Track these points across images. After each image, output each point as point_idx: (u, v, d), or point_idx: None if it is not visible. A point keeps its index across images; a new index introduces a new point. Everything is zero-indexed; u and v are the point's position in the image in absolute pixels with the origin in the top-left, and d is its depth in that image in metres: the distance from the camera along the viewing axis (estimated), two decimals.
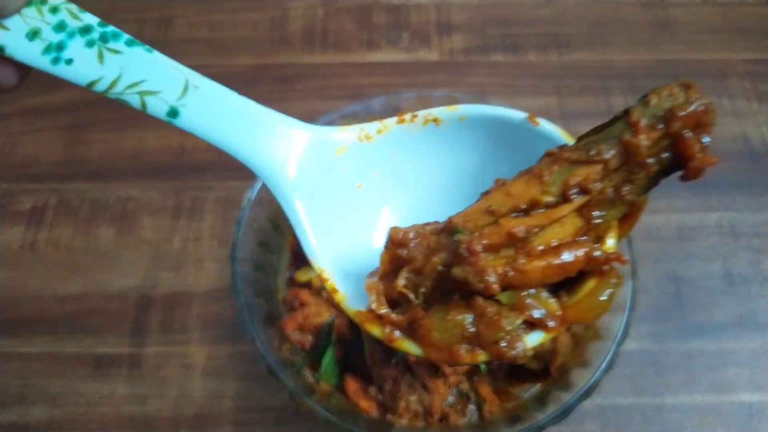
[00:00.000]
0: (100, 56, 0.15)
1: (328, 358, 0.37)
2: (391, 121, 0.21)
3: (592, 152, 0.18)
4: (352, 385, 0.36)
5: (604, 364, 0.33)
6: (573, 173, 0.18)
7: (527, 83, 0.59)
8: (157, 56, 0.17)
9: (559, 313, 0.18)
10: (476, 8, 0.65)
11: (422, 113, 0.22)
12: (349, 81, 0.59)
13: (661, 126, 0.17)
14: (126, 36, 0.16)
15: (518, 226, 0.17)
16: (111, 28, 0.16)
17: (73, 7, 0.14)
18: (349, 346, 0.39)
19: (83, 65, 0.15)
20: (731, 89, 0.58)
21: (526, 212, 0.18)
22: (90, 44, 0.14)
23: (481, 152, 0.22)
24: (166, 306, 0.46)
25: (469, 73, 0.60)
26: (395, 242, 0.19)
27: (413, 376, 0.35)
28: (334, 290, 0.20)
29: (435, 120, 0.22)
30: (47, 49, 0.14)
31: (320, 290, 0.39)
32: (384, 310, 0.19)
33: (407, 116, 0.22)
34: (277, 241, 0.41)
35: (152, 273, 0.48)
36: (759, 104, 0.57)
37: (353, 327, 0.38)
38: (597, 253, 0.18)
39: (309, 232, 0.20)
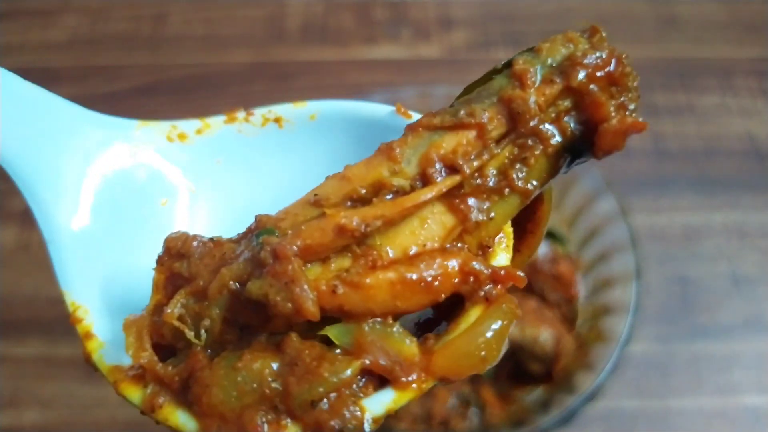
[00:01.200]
0: None
1: None
2: (216, 120, 0.16)
3: (462, 114, 0.12)
4: None
5: (608, 367, 0.32)
6: (434, 144, 0.12)
7: None
8: None
9: (418, 359, 0.11)
10: (477, 3, 0.64)
11: (260, 111, 0.17)
12: (349, 78, 0.58)
13: (557, 79, 0.12)
14: None
15: (352, 216, 0.11)
16: None
17: None
18: None
19: None
20: (736, 87, 0.58)
21: (367, 201, 0.12)
22: None
23: (339, 159, 0.14)
24: None
25: (471, 70, 0.58)
26: (171, 253, 0.13)
27: None
28: (88, 335, 0.14)
29: (277, 120, 0.17)
30: None
31: None
32: (145, 358, 0.12)
33: (239, 114, 0.16)
34: None
35: None
36: (765, 103, 0.57)
37: None
38: (476, 266, 0.12)
39: (67, 256, 0.14)
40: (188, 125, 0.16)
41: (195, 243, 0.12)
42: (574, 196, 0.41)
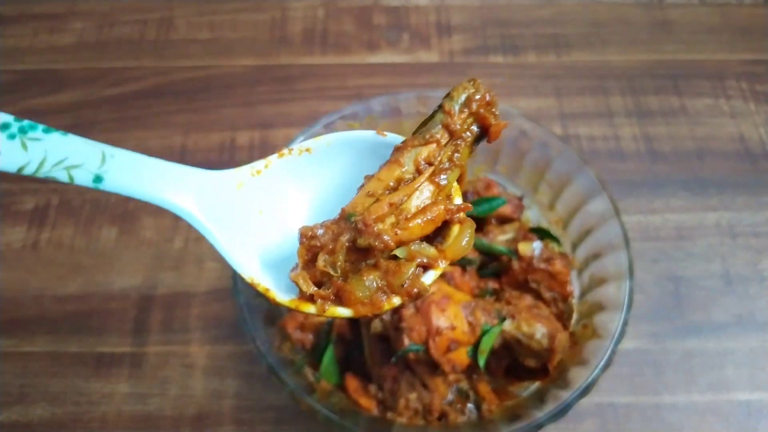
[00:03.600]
0: (23, 145, 0.18)
1: (328, 357, 0.37)
2: (273, 157, 0.27)
3: (428, 137, 0.25)
4: (352, 383, 0.36)
5: (602, 363, 0.33)
6: (419, 153, 0.25)
7: (526, 84, 0.59)
8: (72, 137, 0.20)
9: (438, 255, 0.24)
10: (476, 9, 0.65)
11: (296, 147, 0.27)
12: (349, 82, 0.59)
13: (465, 110, 0.25)
14: (41, 125, 0.19)
15: (393, 197, 0.24)
16: (26, 122, 0.18)
17: None
18: (349, 345, 0.39)
19: (10, 155, 0.18)
20: (729, 90, 0.59)
21: (395, 189, 0.25)
22: (12, 137, 0.17)
23: (350, 167, 0.27)
24: (167, 306, 0.46)
25: (469, 74, 0.60)
26: (307, 237, 0.24)
27: (413, 374, 0.35)
28: (267, 291, 0.24)
29: (308, 150, 0.27)
30: None
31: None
32: (313, 289, 0.23)
33: (285, 151, 0.27)
34: None
35: (153, 273, 0.48)
36: (756, 105, 0.58)
37: (353, 326, 0.38)
38: (451, 206, 0.25)
39: (231, 253, 0.25)
40: (259, 164, 0.27)
41: (318, 229, 0.24)
42: (569, 196, 0.42)
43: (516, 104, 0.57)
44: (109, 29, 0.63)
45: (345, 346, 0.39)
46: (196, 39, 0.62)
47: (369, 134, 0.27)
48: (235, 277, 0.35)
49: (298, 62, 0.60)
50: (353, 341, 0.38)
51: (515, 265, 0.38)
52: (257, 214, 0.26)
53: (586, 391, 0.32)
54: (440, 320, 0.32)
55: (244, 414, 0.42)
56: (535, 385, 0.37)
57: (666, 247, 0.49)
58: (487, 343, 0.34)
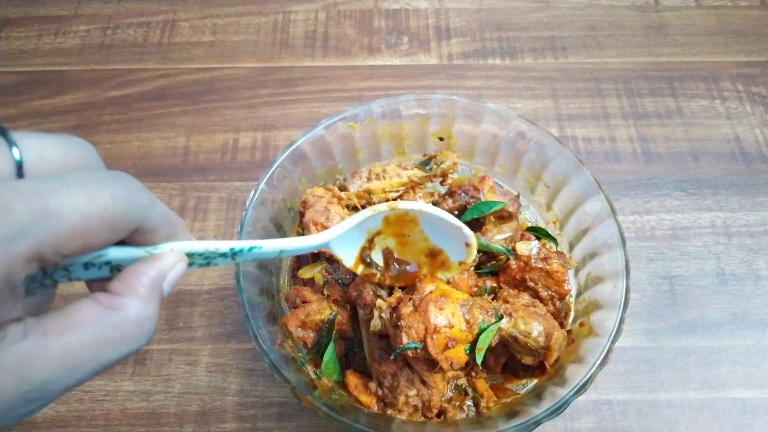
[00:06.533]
0: (233, 258, 0.26)
1: (329, 355, 0.38)
2: (383, 206, 0.34)
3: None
4: (352, 380, 0.37)
5: (598, 361, 0.33)
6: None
7: (524, 86, 0.60)
8: (264, 244, 0.27)
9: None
10: (474, 13, 0.66)
11: (404, 207, 0.34)
12: (350, 84, 0.60)
13: None
14: (246, 246, 0.26)
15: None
16: (237, 248, 0.26)
17: (215, 252, 0.25)
18: (350, 343, 0.39)
19: (221, 263, 0.27)
20: (724, 91, 0.59)
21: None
22: (225, 257, 0.26)
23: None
24: (171, 304, 0.47)
25: (467, 76, 0.61)
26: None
27: (412, 371, 0.36)
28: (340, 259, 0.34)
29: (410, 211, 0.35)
30: (202, 264, 0.26)
31: (322, 288, 0.40)
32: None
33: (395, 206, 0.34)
34: None
35: None
36: (752, 106, 0.58)
37: (353, 325, 0.39)
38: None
39: (344, 259, 0.34)
40: (381, 207, 0.34)
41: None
42: (566, 196, 0.43)
43: (513, 106, 0.58)
44: (113, 32, 0.64)
45: (345, 344, 0.39)
46: (199, 42, 0.63)
47: (450, 218, 0.33)
48: (239, 275, 0.36)
49: (300, 65, 0.61)
50: (353, 339, 0.39)
51: (513, 264, 0.39)
52: (358, 240, 0.34)
53: (582, 388, 0.33)
54: (438, 318, 0.33)
55: (247, 410, 0.43)
56: (533, 383, 0.38)
57: (661, 247, 0.50)
58: (485, 341, 0.34)
